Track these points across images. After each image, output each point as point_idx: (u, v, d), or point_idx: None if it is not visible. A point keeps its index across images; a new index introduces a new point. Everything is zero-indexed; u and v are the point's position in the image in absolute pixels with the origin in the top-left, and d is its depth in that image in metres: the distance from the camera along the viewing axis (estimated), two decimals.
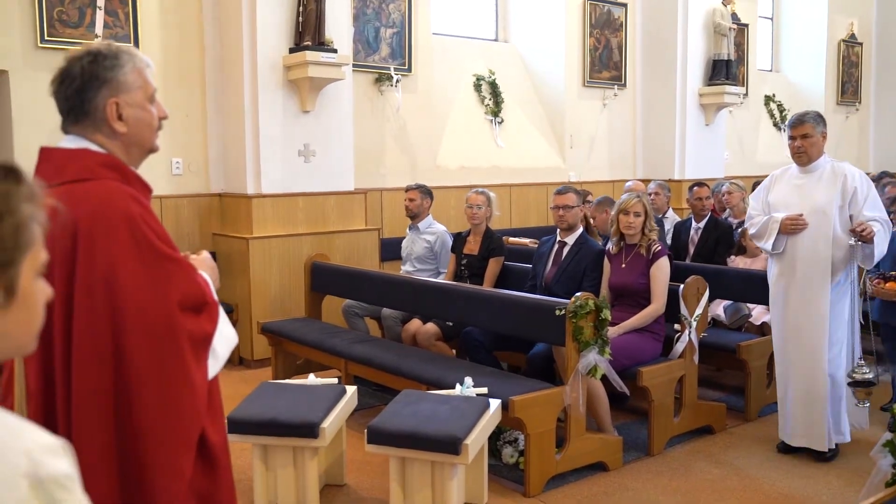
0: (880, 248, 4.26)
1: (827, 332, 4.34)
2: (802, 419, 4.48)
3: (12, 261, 0.98)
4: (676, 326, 4.84)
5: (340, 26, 6.91)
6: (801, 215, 4.34)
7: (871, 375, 3.97)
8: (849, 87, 13.64)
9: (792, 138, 4.45)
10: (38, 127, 6.02)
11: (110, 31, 6.27)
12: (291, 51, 6.62)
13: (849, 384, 4.09)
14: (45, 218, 1.03)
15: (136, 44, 6.47)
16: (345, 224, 7.13)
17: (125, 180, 1.93)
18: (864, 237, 4.16)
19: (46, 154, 1.94)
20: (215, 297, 2.04)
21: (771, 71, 13.26)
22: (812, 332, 4.38)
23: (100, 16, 5.68)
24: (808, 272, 4.37)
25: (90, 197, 1.84)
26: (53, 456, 0.95)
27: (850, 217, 4.31)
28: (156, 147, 2.05)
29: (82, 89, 1.92)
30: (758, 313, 5.78)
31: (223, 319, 2.03)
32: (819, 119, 4.45)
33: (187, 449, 1.88)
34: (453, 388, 4.10)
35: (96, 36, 5.66)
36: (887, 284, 4.62)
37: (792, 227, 4.36)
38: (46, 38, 6.07)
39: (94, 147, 1.93)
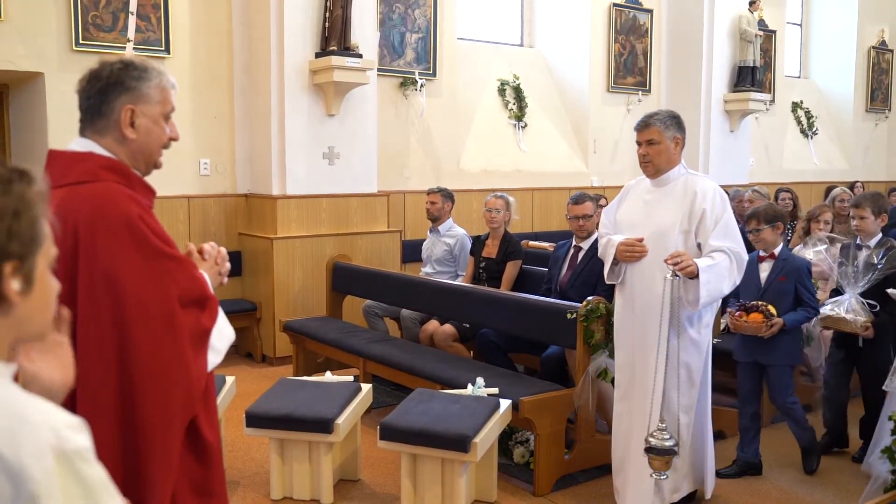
0: (712, 289, 3.43)
1: (673, 380, 3.51)
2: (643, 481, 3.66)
3: (29, 253, 1.10)
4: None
5: (366, 31, 7.04)
6: (640, 239, 3.58)
7: (671, 443, 3.29)
8: (878, 95, 13.52)
9: (638, 144, 3.70)
10: (71, 128, 6.17)
11: (142, 35, 6.46)
12: (317, 55, 6.76)
13: (645, 450, 3.34)
14: (53, 217, 1.15)
15: (167, 48, 6.66)
16: (367, 226, 7.26)
17: (127, 183, 2.00)
18: (683, 272, 3.35)
19: (54, 156, 2.03)
20: (213, 293, 2.11)
21: (799, 77, 13.20)
22: (646, 382, 3.59)
23: (132, 20, 5.83)
24: (646, 309, 3.58)
25: (92, 198, 1.92)
26: (75, 432, 1.07)
27: (699, 246, 3.55)
28: (159, 164, 2.12)
29: (104, 91, 2.01)
30: None
31: (222, 317, 2.12)
32: (670, 121, 3.67)
33: (177, 438, 1.97)
34: (466, 388, 4.20)
35: (129, 40, 5.81)
36: (749, 316, 4.13)
37: (628, 255, 3.61)
38: (81, 41, 6.27)
39: (99, 151, 2.01)
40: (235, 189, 7.21)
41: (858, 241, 4.49)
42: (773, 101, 11.63)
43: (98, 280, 1.88)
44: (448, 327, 5.64)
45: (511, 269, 5.86)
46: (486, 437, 3.75)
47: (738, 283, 3.61)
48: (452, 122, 8.69)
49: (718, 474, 4.21)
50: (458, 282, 6.06)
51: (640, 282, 3.62)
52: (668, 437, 3.31)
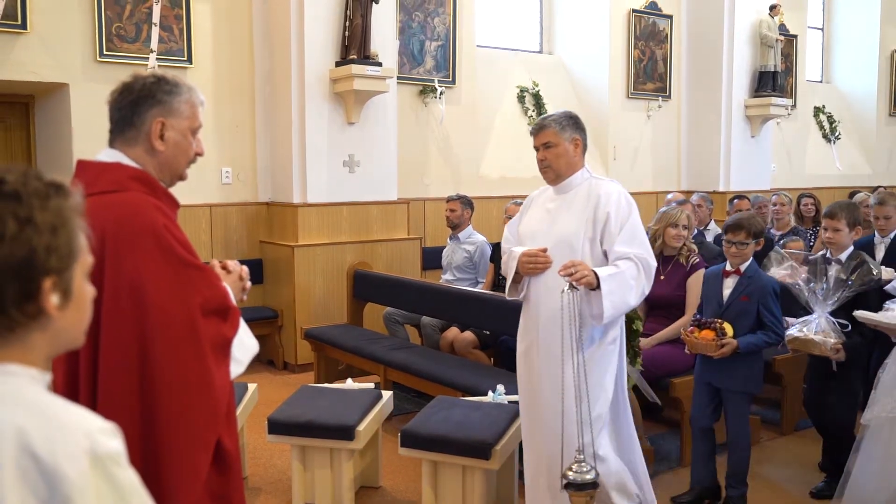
0: (617, 300, 3.13)
1: (574, 408, 3.07)
2: None
3: (67, 267, 1.13)
4: None
5: (385, 40, 7.09)
6: (544, 250, 3.28)
7: (591, 476, 2.92)
8: None
9: (536, 149, 3.42)
10: (96, 138, 6.27)
11: (165, 46, 6.54)
12: (338, 64, 6.81)
13: (564, 487, 2.95)
14: (87, 226, 1.18)
15: (189, 58, 6.74)
16: (387, 233, 7.29)
17: (153, 193, 2.05)
18: (579, 283, 3.03)
19: (82, 166, 2.08)
20: (235, 305, 2.15)
21: (821, 82, 13.10)
22: (555, 407, 3.22)
23: (155, 31, 5.92)
24: (551, 325, 3.23)
25: (118, 207, 1.96)
26: (108, 436, 1.10)
27: (605, 253, 3.27)
28: (185, 176, 2.17)
29: (136, 102, 2.06)
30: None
31: (244, 328, 2.15)
32: (567, 121, 3.39)
33: (205, 449, 1.99)
34: (486, 395, 4.20)
35: (151, 51, 5.90)
36: (701, 333, 3.86)
37: (530, 267, 3.29)
38: (105, 52, 6.35)
39: (126, 161, 2.06)
40: (257, 197, 7.27)
41: (828, 255, 4.15)
42: (794, 105, 11.55)
43: (123, 288, 1.91)
44: (468, 334, 5.65)
45: None
46: (507, 445, 3.75)
47: (646, 292, 3.27)
48: (472, 130, 8.71)
49: (674, 502, 4.10)
50: (479, 289, 6.07)
51: (544, 295, 3.29)
52: (587, 468, 2.92)
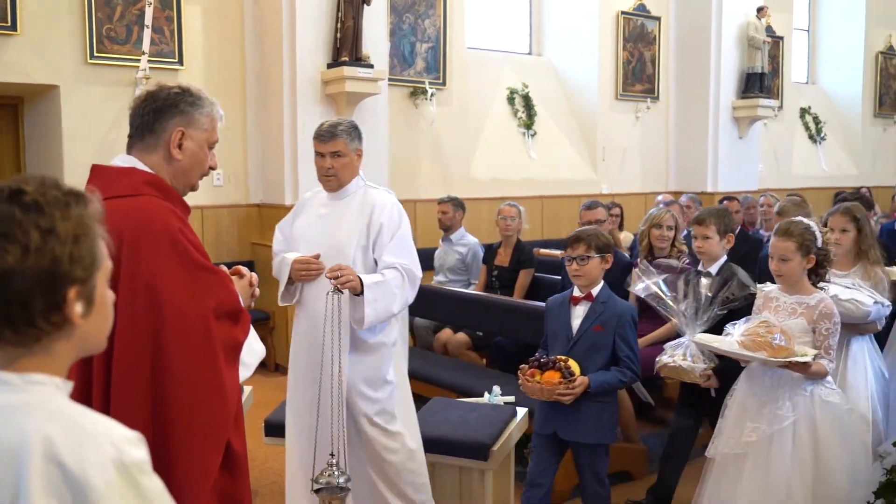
0: (380, 308, 3.19)
1: (335, 412, 3.17)
2: None
3: (91, 275, 1.14)
4: None
5: (377, 42, 7.09)
6: (317, 256, 3.28)
7: (341, 479, 2.85)
8: (887, 100, 13.53)
9: (320, 155, 3.36)
10: (86, 140, 6.28)
11: (156, 48, 6.52)
12: (329, 66, 6.81)
13: (315, 491, 2.90)
14: (106, 232, 1.19)
15: (180, 60, 6.72)
16: None
17: (167, 198, 2.09)
18: (344, 286, 3.09)
19: (98, 171, 2.11)
20: (245, 309, 2.19)
21: (807, 83, 13.22)
22: (315, 408, 3.25)
23: (147, 33, 5.91)
24: (321, 329, 3.21)
25: (135, 212, 1.99)
26: (134, 446, 1.12)
27: (376, 262, 3.31)
28: (196, 186, 2.23)
29: (159, 110, 2.11)
30: None
31: (252, 333, 2.18)
32: (354, 132, 3.40)
33: (216, 450, 2.01)
34: (482, 396, 4.22)
35: (143, 53, 5.89)
36: (544, 375, 3.24)
37: (304, 273, 3.29)
38: (95, 54, 6.32)
39: (141, 167, 2.10)
40: (248, 199, 7.26)
41: (700, 268, 3.82)
42: (781, 107, 11.65)
43: (139, 290, 1.93)
44: (461, 336, 5.67)
45: (524, 277, 5.89)
46: (504, 446, 3.77)
47: (410, 300, 3.32)
48: (462, 131, 8.73)
49: None
50: (471, 290, 6.09)
51: (314, 301, 3.28)
52: (338, 472, 2.87)
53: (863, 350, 3.73)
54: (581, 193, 9.29)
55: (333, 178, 3.36)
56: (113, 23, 6.40)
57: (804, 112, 12.65)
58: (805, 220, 3.29)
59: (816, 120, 12.71)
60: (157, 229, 1.98)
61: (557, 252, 7.24)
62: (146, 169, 2.09)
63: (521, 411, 3.98)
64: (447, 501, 3.83)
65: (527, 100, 9.43)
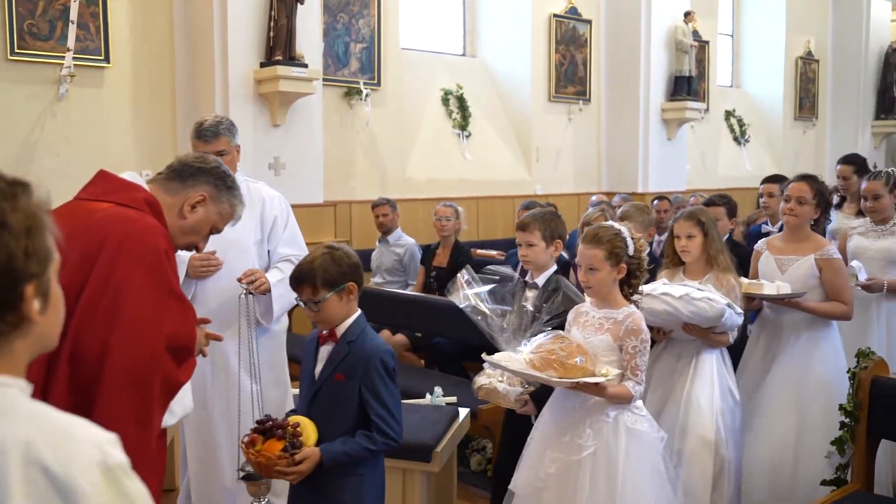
0: (284, 302, 3.35)
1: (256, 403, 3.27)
2: None
3: (46, 269, 1.08)
4: None
5: (311, 41, 7.01)
6: (213, 252, 3.25)
7: None
8: (806, 103, 14.02)
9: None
10: (8, 140, 6.04)
11: (81, 45, 6.30)
12: (262, 65, 6.70)
13: (241, 478, 2.68)
14: (53, 224, 1.12)
15: (107, 57, 6.51)
16: (314, 236, 7.18)
17: (161, 223, 2.14)
18: (258, 290, 3.24)
19: (105, 176, 2.17)
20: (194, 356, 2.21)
21: (732, 87, 13.60)
22: (226, 400, 3.37)
23: (72, 29, 5.71)
24: (223, 325, 3.17)
25: (131, 222, 2.02)
26: (114, 447, 1.08)
27: (269, 253, 3.45)
28: (180, 247, 2.30)
29: (202, 171, 2.26)
30: None
31: (187, 388, 2.17)
32: (235, 129, 3.47)
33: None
34: (423, 397, 4.20)
35: (68, 49, 5.69)
36: (266, 444, 2.43)
37: (202, 270, 3.31)
38: (17, 50, 6.07)
39: (147, 188, 2.16)
40: None
41: (527, 278, 3.43)
42: (707, 109, 11.95)
43: (107, 292, 1.93)
44: (400, 337, 5.65)
45: None
46: (447, 446, 3.75)
47: None
48: (398, 132, 8.70)
49: None
50: (409, 291, 6.07)
51: (215, 297, 3.30)
52: None
53: (711, 366, 3.48)
54: (515, 194, 9.36)
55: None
56: (35, 18, 6.16)
57: (729, 115, 13.01)
58: (616, 226, 2.92)
59: (741, 122, 13.09)
60: (145, 245, 2.01)
61: (494, 252, 7.29)
62: (150, 193, 2.16)
63: (464, 412, 3.98)
64: (389, 503, 3.80)
65: (461, 101, 9.46)
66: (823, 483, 3.33)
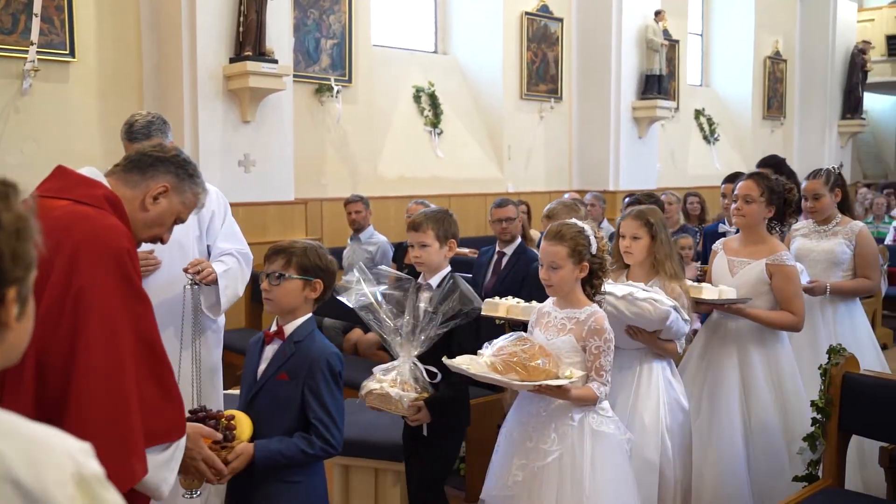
0: (230, 294, 3.34)
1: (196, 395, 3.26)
2: None
3: (28, 275, 1.04)
4: None
5: (281, 37, 6.94)
6: (151, 251, 3.14)
7: None
8: (774, 102, 14.18)
9: None
10: None
11: (45, 39, 6.17)
12: (232, 60, 6.61)
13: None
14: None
15: (72, 51, 6.39)
16: (285, 234, 7.12)
17: (121, 220, 2.07)
18: (205, 280, 3.19)
19: (62, 171, 2.09)
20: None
21: (701, 86, 13.71)
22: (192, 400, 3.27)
23: (36, 23, 5.59)
24: (166, 321, 3.10)
25: (90, 221, 1.96)
26: (88, 457, 1.03)
27: (209, 248, 3.42)
28: (144, 240, 2.26)
29: (160, 160, 2.19)
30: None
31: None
32: (166, 126, 3.56)
33: (122, 465, 1.88)
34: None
35: (31, 43, 5.57)
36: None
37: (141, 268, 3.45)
38: None
39: (106, 184, 2.09)
40: None
41: (421, 280, 3.23)
42: (677, 108, 12.04)
43: (69, 295, 1.86)
44: (371, 336, 5.60)
45: None
46: None
47: (247, 281, 3.49)
48: (369, 129, 8.65)
49: None
50: None
51: (156, 294, 3.11)
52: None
53: (658, 378, 3.22)
54: (487, 192, 9.35)
55: None
56: None
57: (699, 114, 13.11)
58: (578, 223, 2.83)
59: (710, 121, 13.20)
60: (106, 244, 1.95)
61: (467, 250, 7.26)
62: (109, 189, 2.09)
63: None
64: (362, 503, 3.76)
65: (433, 98, 9.42)
66: (795, 479, 3.35)
